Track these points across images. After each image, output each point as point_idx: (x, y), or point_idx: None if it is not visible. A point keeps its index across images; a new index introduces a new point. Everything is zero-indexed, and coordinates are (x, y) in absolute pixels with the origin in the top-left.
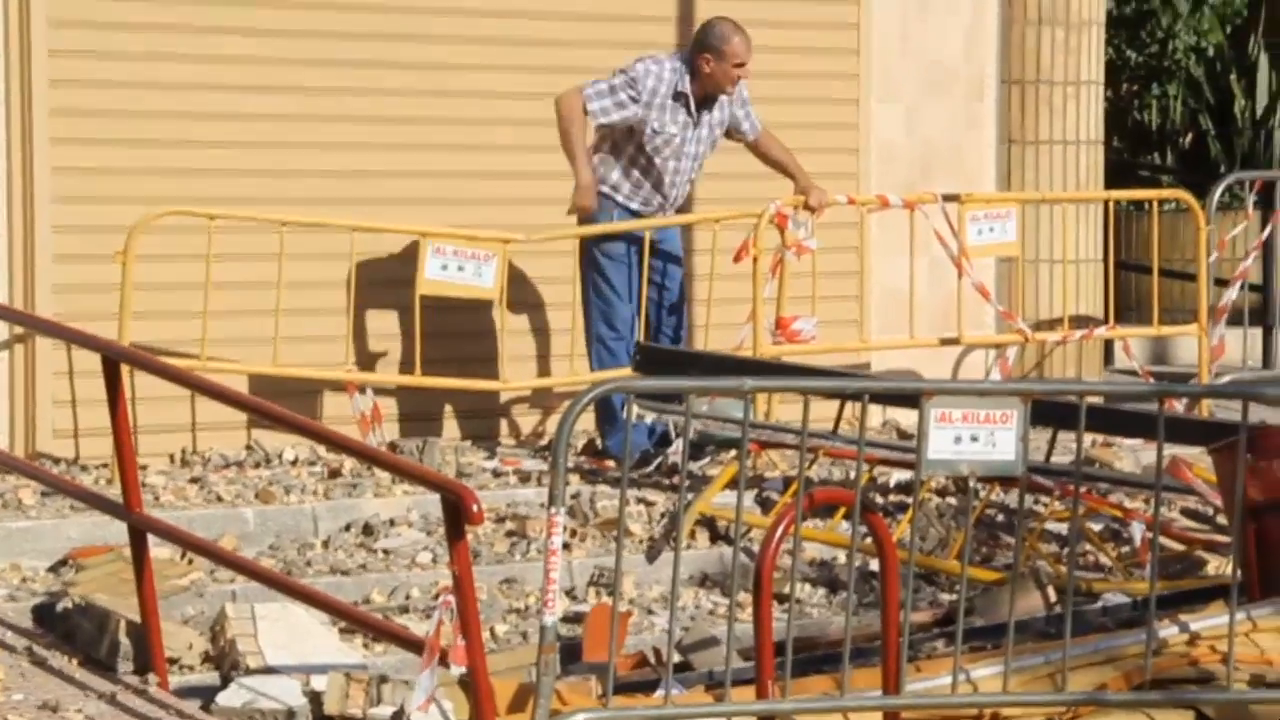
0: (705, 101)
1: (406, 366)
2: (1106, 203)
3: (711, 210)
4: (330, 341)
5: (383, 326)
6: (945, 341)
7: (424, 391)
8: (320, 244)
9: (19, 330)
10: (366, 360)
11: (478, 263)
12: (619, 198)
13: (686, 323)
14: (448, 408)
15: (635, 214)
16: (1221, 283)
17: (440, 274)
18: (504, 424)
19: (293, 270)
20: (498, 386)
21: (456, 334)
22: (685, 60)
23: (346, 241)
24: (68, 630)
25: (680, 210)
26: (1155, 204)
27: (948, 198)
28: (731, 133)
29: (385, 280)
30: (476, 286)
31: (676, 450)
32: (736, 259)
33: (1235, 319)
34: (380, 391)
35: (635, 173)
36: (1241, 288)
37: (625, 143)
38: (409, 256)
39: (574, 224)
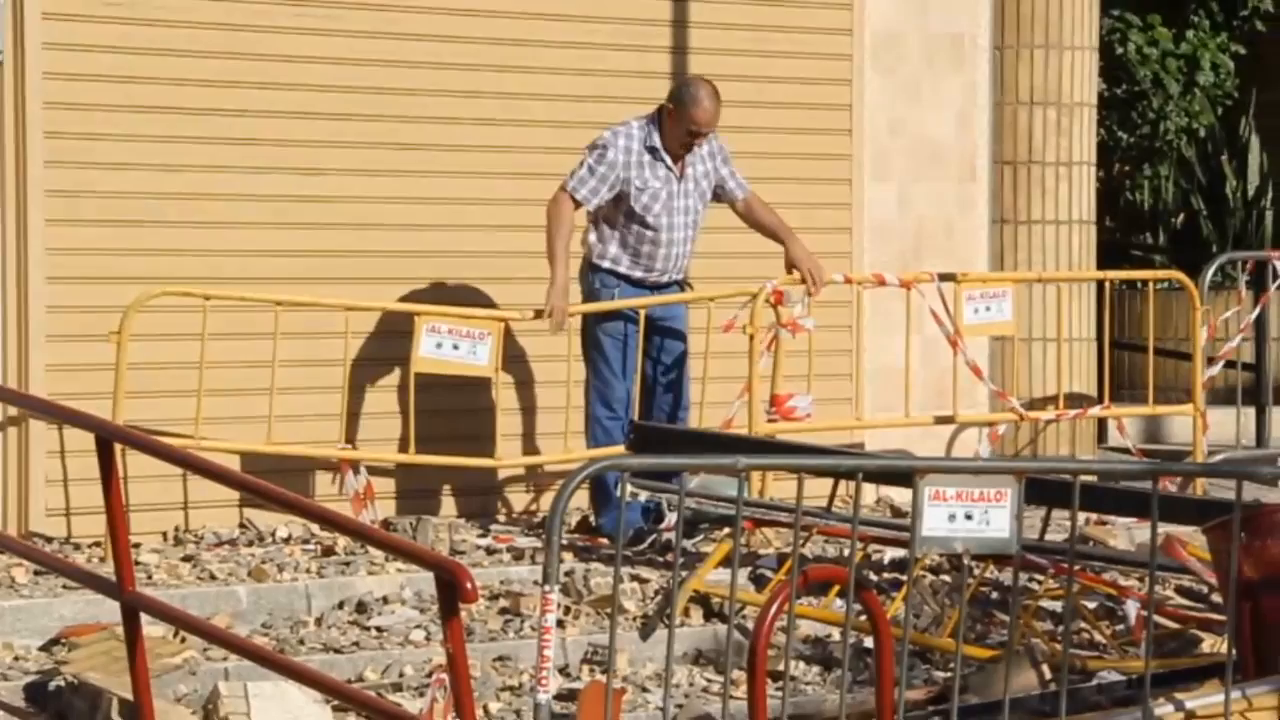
0: (685, 152)
1: (401, 444)
2: (1100, 282)
3: (706, 288)
4: (324, 420)
5: (377, 404)
6: (940, 420)
7: (417, 470)
8: (315, 322)
9: (12, 410)
10: (360, 438)
11: (473, 341)
12: (621, 270)
13: (687, 401)
14: (441, 486)
15: (638, 283)
16: (1215, 362)
17: (435, 352)
18: (497, 501)
19: (287, 349)
20: (492, 464)
21: (451, 411)
22: (651, 119)
23: (341, 320)
24: (60, 709)
25: (683, 281)
26: (1150, 284)
27: (943, 277)
28: (720, 194)
29: (380, 358)
30: (471, 365)
31: (670, 527)
32: (726, 329)
33: (1229, 398)
34: (374, 470)
35: (631, 240)
36: (1233, 365)
37: (616, 213)
38: (403, 335)
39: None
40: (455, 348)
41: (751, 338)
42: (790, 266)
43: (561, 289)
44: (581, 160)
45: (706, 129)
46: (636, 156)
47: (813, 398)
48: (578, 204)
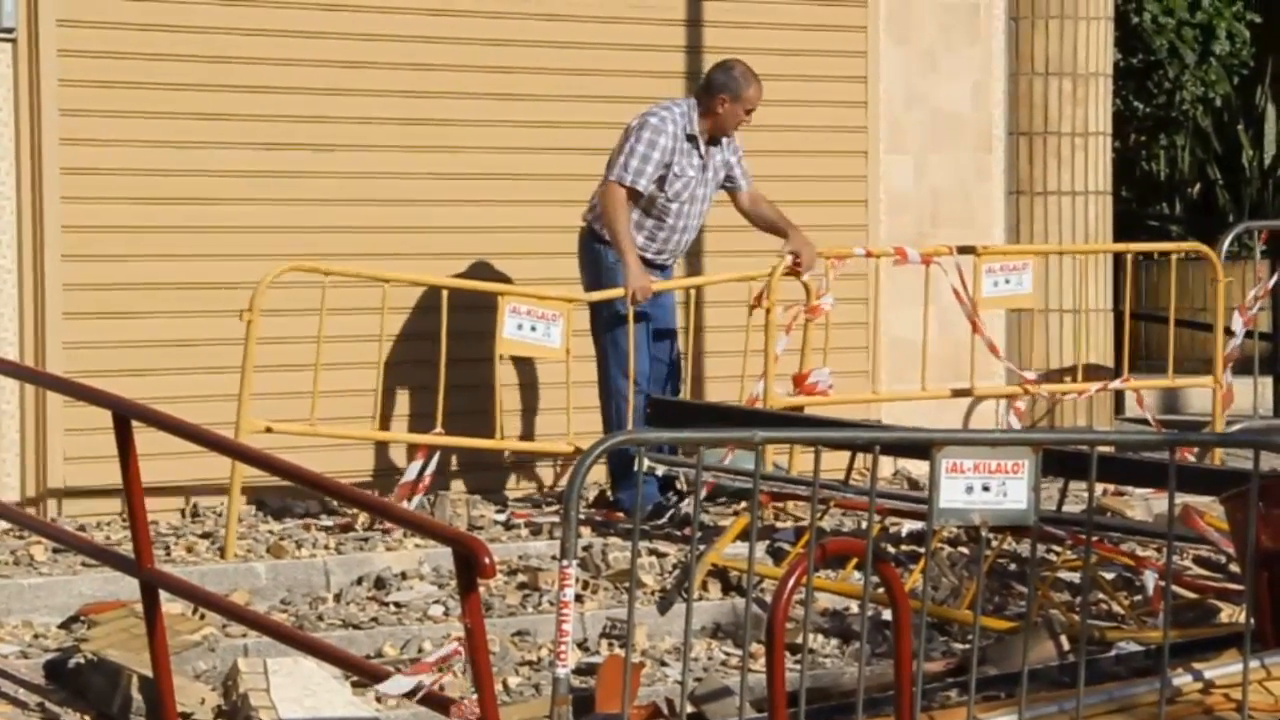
0: (711, 142)
1: (476, 423)
2: (1118, 253)
3: (725, 260)
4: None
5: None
6: (957, 393)
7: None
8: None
9: (30, 388)
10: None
11: (547, 323)
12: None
13: (680, 375)
14: (457, 461)
15: (649, 264)
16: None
17: (516, 334)
18: (514, 477)
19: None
20: (567, 449)
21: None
22: (690, 104)
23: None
24: (80, 686)
25: (688, 256)
26: (1171, 255)
27: (963, 250)
28: (725, 184)
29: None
30: (546, 346)
31: (688, 502)
32: (752, 309)
33: (1246, 367)
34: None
35: (650, 222)
36: (1250, 335)
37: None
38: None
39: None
40: (534, 329)
41: (768, 311)
42: (791, 253)
43: (636, 271)
44: (630, 146)
45: (757, 106)
46: (681, 143)
47: (830, 370)
48: (629, 189)
